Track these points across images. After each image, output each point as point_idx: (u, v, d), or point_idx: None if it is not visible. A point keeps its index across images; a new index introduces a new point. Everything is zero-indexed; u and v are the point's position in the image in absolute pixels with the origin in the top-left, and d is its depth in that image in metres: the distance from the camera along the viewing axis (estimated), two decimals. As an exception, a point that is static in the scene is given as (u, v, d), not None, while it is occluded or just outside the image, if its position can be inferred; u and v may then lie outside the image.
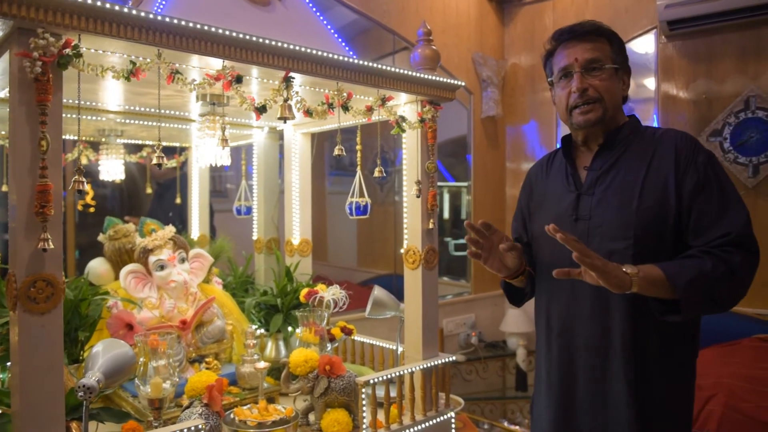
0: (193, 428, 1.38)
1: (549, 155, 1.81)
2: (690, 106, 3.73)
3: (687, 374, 1.57)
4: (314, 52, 1.57)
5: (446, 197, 4.90)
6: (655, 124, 3.86)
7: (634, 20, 3.93)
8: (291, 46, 1.52)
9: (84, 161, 2.61)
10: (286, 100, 1.54)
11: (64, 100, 1.22)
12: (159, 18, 1.28)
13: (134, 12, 1.23)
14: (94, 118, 2.21)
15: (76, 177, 1.19)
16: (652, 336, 1.49)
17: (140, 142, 2.80)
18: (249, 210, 2.71)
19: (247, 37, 1.43)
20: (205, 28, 1.35)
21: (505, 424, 3.48)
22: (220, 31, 1.38)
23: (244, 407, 1.72)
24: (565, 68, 1.58)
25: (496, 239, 1.57)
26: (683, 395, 1.56)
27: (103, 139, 2.55)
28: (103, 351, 1.36)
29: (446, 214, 4.91)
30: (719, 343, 3.32)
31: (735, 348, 3.23)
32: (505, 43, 4.72)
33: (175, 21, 1.30)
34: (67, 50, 1.18)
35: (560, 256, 1.58)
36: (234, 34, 1.40)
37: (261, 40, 1.46)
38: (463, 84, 2.04)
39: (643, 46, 3.97)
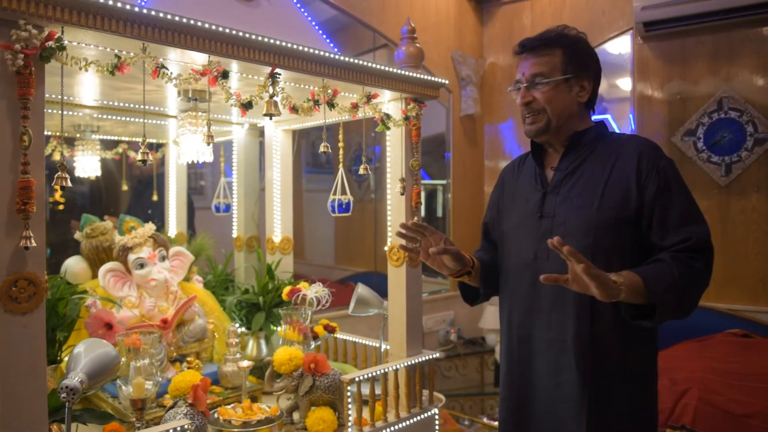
0: (179, 428, 1.36)
1: (522, 156, 1.86)
2: (665, 106, 3.80)
3: (646, 374, 1.58)
4: (300, 48, 1.56)
5: (422, 195, 4.91)
6: (632, 124, 3.93)
7: (611, 21, 3.99)
8: (277, 42, 1.50)
9: (58, 157, 2.55)
10: (271, 96, 1.52)
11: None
12: (144, 11, 1.25)
13: (119, 4, 1.21)
14: (69, 113, 2.16)
15: (60, 173, 1.16)
16: (607, 333, 1.52)
17: (116, 138, 2.75)
18: (228, 207, 2.68)
19: (233, 32, 1.41)
20: (191, 22, 1.33)
21: (485, 419, 3.51)
22: (206, 25, 1.36)
23: (228, 406, 1.71)
24: (517, 82, 1.66)
25: (434, 240, 1.62)
26: (642, 396, 1.57)
27: (78, 135, 2.49)
28: (86, 351, 1.33)
29: (422, 212, 4.91)
30: (692, 339, 3.39)
31: (708, 343, 3.31)
32: (483, 42, 4.75)
33: (161, 14, 1.28)
34: (50, 43, 1.15)
35: (523, 254, 1.65)
36: (220, 28, 1.38)
37: (247, 35, 1.44)
38: (447, 82, 2.04)
39: (620, 47, 4.03)
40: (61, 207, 2.69)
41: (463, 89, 4.50)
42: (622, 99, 4.08)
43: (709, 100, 3.63)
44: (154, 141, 2.87)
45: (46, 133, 2.38)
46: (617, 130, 4.11)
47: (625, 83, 4.02)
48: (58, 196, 2.81)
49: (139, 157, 1.31)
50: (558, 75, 1.59)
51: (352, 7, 3.68)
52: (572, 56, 1.60)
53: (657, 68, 3.81)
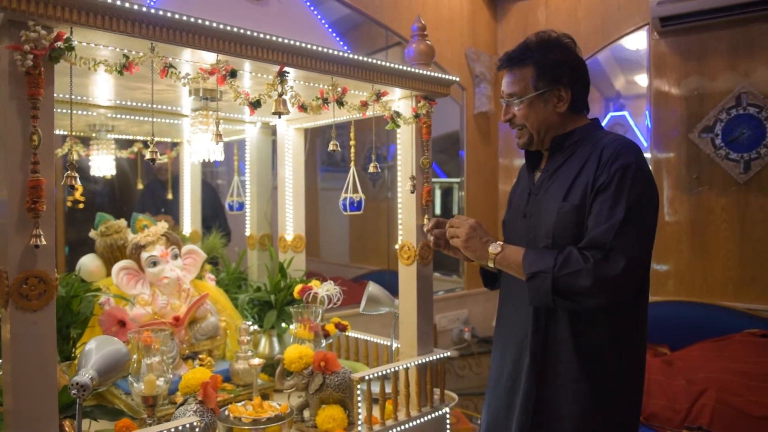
0: (188, 425, 1.37)
1: None
2: (682, 103, 3.74)
3: (605, 387, 1.53)
4: (309, 46, 1.56)
5: (438, 193, 4.91)
6: (648, 121, 3.88)
7: (627, 17, 3.93)
8: (286, 41, 1.50)
9: (74, 157, 2.58)
10: (280, 95, 1.52)
11: (54, 95, 1.20)
12: (152, 11, 1.26)
13: (127, 5, 1.21)
14: (84, 112, 2.18)
15: (69, 172, 1.18)
16: (559, 338, 1.55)
17: (131, 137, 2.78)
18: (241, 206, 2.69)
19: (242, 31, 1.41)
20: (199, 21, 1.34)
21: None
22: (214, 24, 1.37)
23: (239, 404, 1.71)
24: (501, 96, 1.71)
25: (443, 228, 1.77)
26: (592, 407, 1.53)
27: (94, 135, 2.52)
28: (97, 348, 1.35)
29: (438, 210, 4.91)
30: (711, 338, 3.34)
31: (726, 343, 3.25)
32: (498, 39, 4.71)
33: (169, 14, 1.28)
34: (59, 43, 1.16)
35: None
36: (228, 27, 1.39)
37: (255, 34, 1.44)
38: (457, 79, 2.03)
39: (636, 42, 3.97)
40: (81, 206, 2.72)
41: (477, 86, 4.47)
42: (639, 95, 4.03)
43: (727, 96, 3.56)
44: (168, 140, 2.89)
45: (61, 132, 2.42)
46: (634, 127, 4.07)
47: (641, 79, 3.97)
48: (78, 194, 2.84)
49: (148, 155, 1.32)
50: (531, 93, 1.61)
51: (364, 5, 3.67)
52: (543, 70, 1.60)
53: (674, 64, 3.76)
